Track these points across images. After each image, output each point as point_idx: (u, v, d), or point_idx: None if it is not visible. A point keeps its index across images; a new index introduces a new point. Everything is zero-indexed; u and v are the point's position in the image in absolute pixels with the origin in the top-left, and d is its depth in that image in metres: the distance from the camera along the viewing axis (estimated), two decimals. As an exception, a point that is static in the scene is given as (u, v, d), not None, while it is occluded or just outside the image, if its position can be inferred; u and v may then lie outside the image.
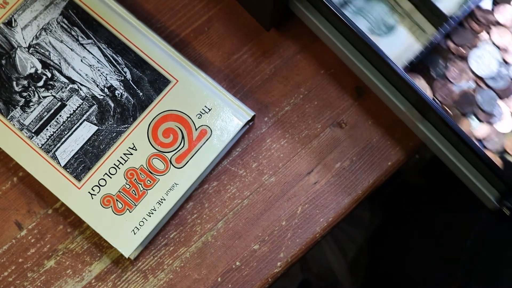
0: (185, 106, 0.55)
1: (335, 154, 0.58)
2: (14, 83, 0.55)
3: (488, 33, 0.56)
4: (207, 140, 0.55)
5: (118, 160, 0.54)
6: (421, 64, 0.55)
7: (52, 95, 0.55)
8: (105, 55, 0.55)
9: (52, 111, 0.55)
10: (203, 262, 0.56)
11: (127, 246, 0.53)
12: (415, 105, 0.54)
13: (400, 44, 0.55)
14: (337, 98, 0.58)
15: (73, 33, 0.56)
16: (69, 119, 0.55)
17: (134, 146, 0.54)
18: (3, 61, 0.55)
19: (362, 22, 0.55)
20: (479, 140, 0.54)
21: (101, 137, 0.55)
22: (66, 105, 0.55)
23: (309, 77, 0.58)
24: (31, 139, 0.54)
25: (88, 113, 0.55)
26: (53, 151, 0.54)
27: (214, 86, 0.56)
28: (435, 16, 0.54)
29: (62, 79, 0.55)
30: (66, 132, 0.55)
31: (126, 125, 0.55)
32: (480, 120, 0.54)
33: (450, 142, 0.53)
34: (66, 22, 0.56)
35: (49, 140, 0.54)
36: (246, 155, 0.57)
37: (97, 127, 0.55)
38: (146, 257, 0.56)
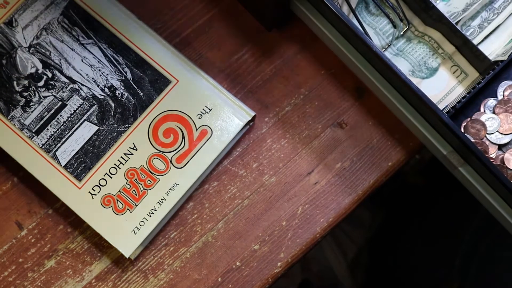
0: (185, 106, 0.55)
1: (335, 154, 0.58)
2: (15, 83, 0.55)
3: None
4: (207, 140, 0.55)
5: (118, 160, 0.54)
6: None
7: (53, 95, 0.55)
8: (105, 55, 0.55)
9: (53, 111, 0.55)
10: (204, 262, 0.56)
11: (127, 246, 0.53)
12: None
13: (441, 87, 0.54)
14: (338, 99, 0.58)
15: (73, 33, 0.56)
16: (69, 119, 0.55)
17: (135, 146, 0.54)
18: (4, 61, 0.55)
19: (404, 64, 0.55)
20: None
21: (101, 137, 0.54)
22: (67, 105, 0.55)
23: (310, 77, 0.58)
24: (31, 139, 0.54)
25: (88, 113, 0.55)
26: (53, 151, 0.54)
27: (214, 86, 0.56)
28: (478, 60, 0.53)
29: (63, 79, 0.55)
30: (66, 132, 0.55)
31: (126, 125, 0.55)
32: None
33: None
34: (66, 22, 0.56)
35: (50, 140, 0.54)
36: (247, 155, 0.57)
37: (97, 127, 0.55)
38: (147, 257, 0.56)
